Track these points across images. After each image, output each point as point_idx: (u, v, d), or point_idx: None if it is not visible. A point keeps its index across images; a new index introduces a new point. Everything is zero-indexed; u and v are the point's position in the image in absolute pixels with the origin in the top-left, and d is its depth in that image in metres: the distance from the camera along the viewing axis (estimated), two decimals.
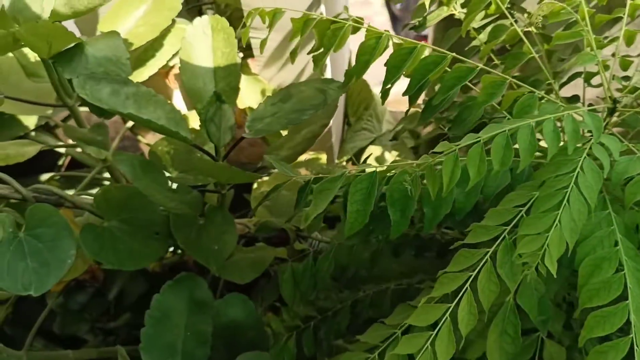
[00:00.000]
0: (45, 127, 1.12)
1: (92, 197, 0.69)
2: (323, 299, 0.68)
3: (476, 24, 0.64)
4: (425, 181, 0.43)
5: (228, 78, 0.65)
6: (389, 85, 0.54)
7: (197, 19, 0.66)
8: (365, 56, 0.52)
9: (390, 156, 1.08)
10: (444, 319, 0.39)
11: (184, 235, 0.67)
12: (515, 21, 0.56)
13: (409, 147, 1.09)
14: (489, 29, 0.59)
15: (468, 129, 0.51)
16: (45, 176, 1.04)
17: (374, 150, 1.10)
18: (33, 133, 1.07)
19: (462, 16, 0.64)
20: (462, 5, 0.64)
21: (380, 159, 1.09)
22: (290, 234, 0.73)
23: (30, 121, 1.03)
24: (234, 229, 0.69)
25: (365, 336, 0.48)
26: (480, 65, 0.50)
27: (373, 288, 0.65)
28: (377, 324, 0.49)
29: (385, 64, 0.51)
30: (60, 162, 1.19)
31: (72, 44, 0.57)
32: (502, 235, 0.40)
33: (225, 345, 0.62)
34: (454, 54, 0.49)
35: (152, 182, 0.61)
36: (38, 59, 0.72)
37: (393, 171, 0.44)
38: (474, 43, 0.62)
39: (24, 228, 0.63)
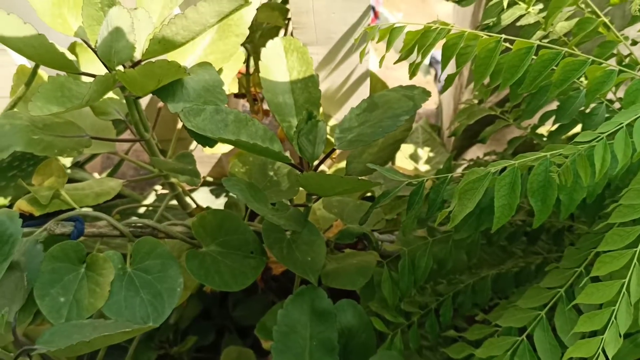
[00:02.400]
0: (76, 164, 1.13)
1: (180, 226, 0.72)
2: (419, 295, 0.71)
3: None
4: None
5: (306, 93, 0.68)
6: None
7: (270, 42, 0.68)
8: (483, 66, 0.55)
9: (424, 152, 1.12)
10: (621, 294, 0.42)
11: (277, 250, 0.69)
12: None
13: (439, 142, 1.12)
14: (567, 22, 0.63)
15: (569, 118, 0.55)
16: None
17: (406, 148, 1.13)
18: (69, 170, 1.08)
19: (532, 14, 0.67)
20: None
21: (414, 156, 1.12)
22: (372, 238, 0.76)
23: (66, 160, 1.04)
24: (322, 239, 0.71)
25: (524, 302, 0.51)
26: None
27: (471, 278, 0.68)
28: (534, 289, 0.52)
29: (504, 66, 0.54)
30: None
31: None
32: None
33: (341, 350, 0.64)
34: (565, 49, 0.52)
35: (260, 202, 0.63)
36: (109, 96, 0.74)
37: (532, 163, 0.47)
38: (552, 36, 0.65)
39: (129, 262, 0.65)
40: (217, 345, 1.07)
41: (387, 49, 0.59)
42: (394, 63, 0.65)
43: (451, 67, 0.61)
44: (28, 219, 0.67)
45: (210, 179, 1.26)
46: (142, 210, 1.09)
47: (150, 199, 1.18)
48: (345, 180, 0.57)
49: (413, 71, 0.61)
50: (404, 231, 0.65)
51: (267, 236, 0.69)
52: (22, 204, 0.67)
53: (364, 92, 0.93)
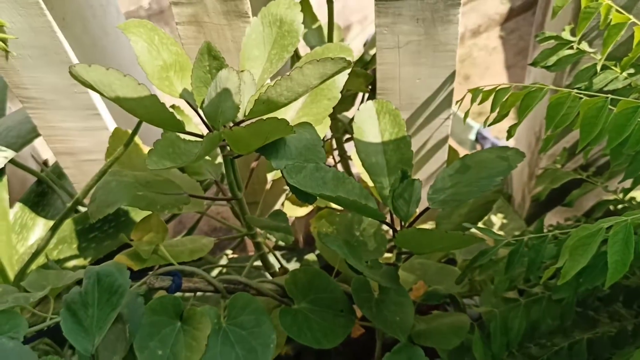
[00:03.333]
0: None
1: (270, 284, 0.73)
2: (509, 358, 0.70)
3: (621, 83, 0.69)
4: None
5: (399, 154, 0.69)
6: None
7: (363, 105, 0.70)
8: (589, 126, 0.56)
9: (497, 219, 1.12)
10: None
11: (367, 309, 0.69)
12: None
13: (512, 209, 1.13)
14: None
15: None
16: None
17: None
18: None
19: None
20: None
21: (487, 223, 1.12)
22: (459, 299, 0.76)
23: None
24: (410, 300, 0.71)
25: None
26: None
27: (564, 341, 0.68)
28: None
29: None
30: None
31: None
32: None
33: None
34: None
35: (356, 259, 0.64)
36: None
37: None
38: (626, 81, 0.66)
39: (223, 317, 0.66)
40: None
41: (492, 109, 0.61)
42: (488, 125, 0.66)
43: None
44: None
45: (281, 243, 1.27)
46: (215, 272, 1.11)
47: (222, 261, 1.20)
48: (449, 235, 0.58)
49: (510, 132, 0.62)
50: (497, 291, 0.65)
51: (357, 295, 0.70)
52: (121, 259, 0.69)
53: (441, 156, 0.94)
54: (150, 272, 0.67)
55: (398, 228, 0.68)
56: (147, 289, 0.67)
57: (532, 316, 0.66)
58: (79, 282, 0.75)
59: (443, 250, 0.69)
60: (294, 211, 0.98)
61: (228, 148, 0.67)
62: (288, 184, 0.62)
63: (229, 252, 1.25)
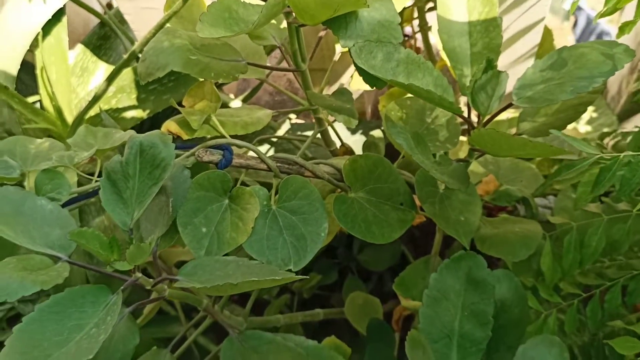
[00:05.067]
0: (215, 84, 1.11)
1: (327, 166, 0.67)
2: (580, 276, 0.64)
3: None
4: None
5: (486, 38, 0.60)
6: None
7: None
8: None
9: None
10: None
11: (429, 205, 0.64)
12: None
13: (604, 102, 1.02)
14: None
15: None
16: None
17: None
18: None
19: None
20: None
21: None
22: (533, 204, 0.69)
23: None
24: (478, 200, 0.65)
25: None
26: None
27: None
28: None
29: None
30: None
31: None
32: None
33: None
34: None
35: (424, 155, 0.57)
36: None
37: None
38: None
39: (273, 200, 0.61)
40: (337, 286, 1.05)
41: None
42: (599, 17, 0.56)
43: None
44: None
45: None
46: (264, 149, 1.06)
47: (285, 127, 1.15)
48: (532, 143, 0.50)
49: (624, 30, 0.52)
50: (577, 205, 0.58)
51: (420, 188, 0.64)
52: (171, 125, 0.65)
53: (534, 39, 0.84)
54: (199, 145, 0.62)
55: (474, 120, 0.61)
56: (195, 161, 0.62)
57: (614, 235, 0.59)
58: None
59: (523, 156, 0.62)
60: (363, 84, 0.91)
61: (293, 15, 0.59)
62: (355, 66, 0.55)
63: (292, 116, 1.20)
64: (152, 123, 1.13)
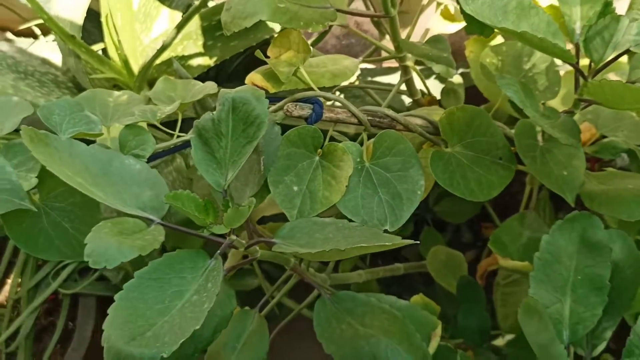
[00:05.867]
0: None
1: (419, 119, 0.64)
2: None
3: None
4: None
5: None
6: None
7: None
8: None
9: None
10: None
11: (530, 159, 0.60)
12: None
13: None
14: None
15: None
16: None
17: None
18: None
19: None
20: None
21: None
22: None
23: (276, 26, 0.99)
24: (582, 152, 0.61)
25: None
26: None
27: None
28: None
29: None
30: None
31: None
32: None
33: None
34: None
35: (533, 108, 0.53)
36: None
37: None
38: None
39: (366, 156, 0.58)
40: (411, 237, 1.02)
41: None
42: None
43: None
44: None
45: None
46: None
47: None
48: None
49: None
50: None
51: (520, 142, 0.60)
52: (255, 78, 0.61)
53: None
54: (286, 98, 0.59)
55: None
56: (284, 116, 0.59)
57: None
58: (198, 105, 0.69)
59: None
60: (444, 26, 0.86)
61: None
62: (462, 12, 0.50)
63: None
64: (217, 71, 1.10)
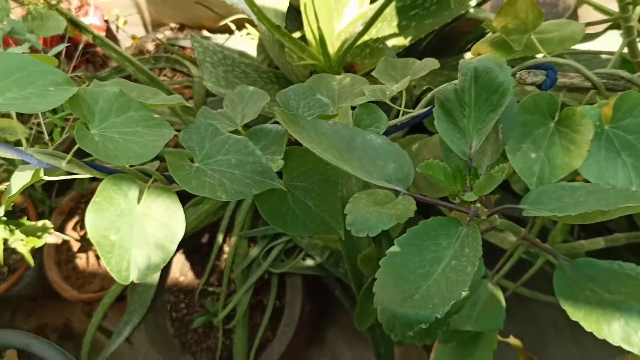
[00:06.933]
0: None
1: None
2: None
3: None
4: None
5: None
6: None
7: None
8: None
9: None
10: None
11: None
12: None
13: None
14: None
15: None
16: None
17: None
18: (472, 10, 1.02)
19: None
20: None
21: None
22: None
23: None
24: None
25: None
26: None
27: None
28: None
29: None
30: None
31: None
32: None
33: None
34: None
35: None
36: None
37: None
38: None
39: (603, 119, 0.57)
40: None
41: None
42: None
43: None
44: None
45: None
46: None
47: None
48: None
49: None
50: None
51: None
52: (482, 48, 0.62)
53: None
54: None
55: None
56: (515, 84, 0.59)
57: None
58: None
59: None
60: None
61: None
62: None
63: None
64: (407, 51, 1.12)
